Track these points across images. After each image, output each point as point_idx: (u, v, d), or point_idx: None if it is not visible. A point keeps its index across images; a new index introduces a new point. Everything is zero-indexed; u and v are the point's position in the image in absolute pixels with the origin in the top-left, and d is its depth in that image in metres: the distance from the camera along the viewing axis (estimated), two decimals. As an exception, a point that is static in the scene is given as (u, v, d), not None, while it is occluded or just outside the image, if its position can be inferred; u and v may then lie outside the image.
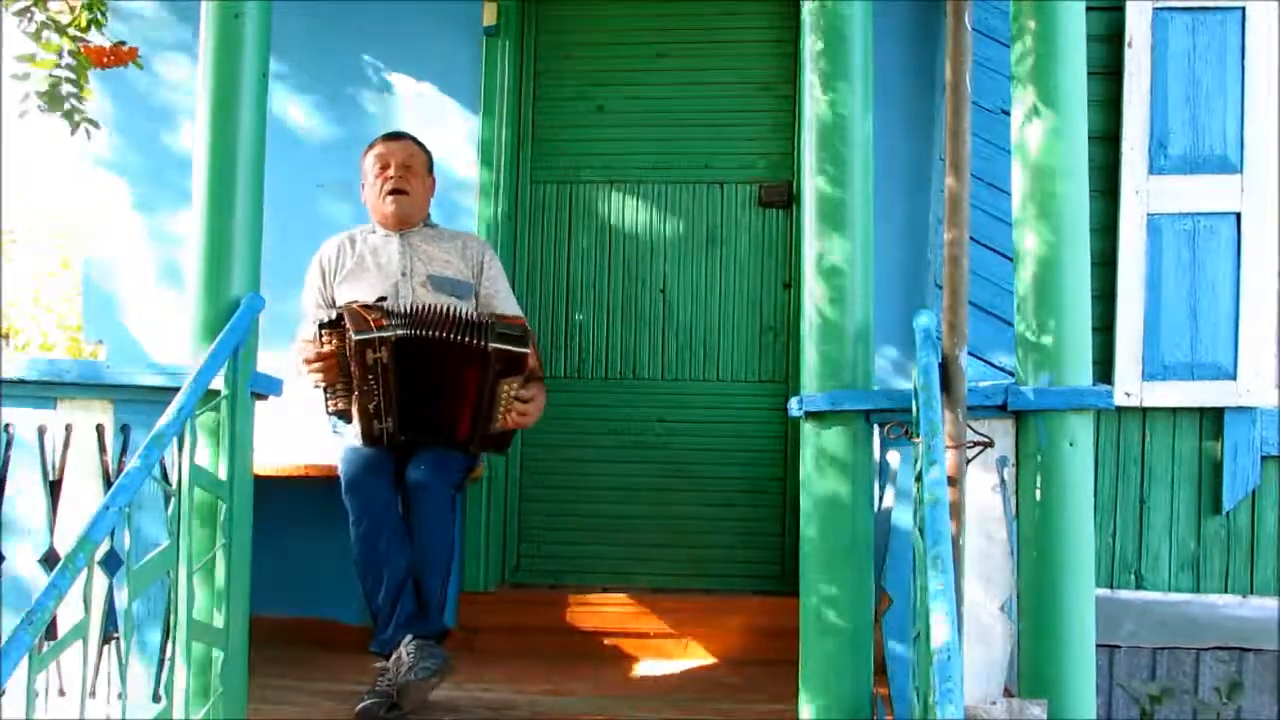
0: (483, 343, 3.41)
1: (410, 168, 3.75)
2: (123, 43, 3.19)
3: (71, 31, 3.08)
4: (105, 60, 3.15)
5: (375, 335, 3.34)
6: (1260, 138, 3.95)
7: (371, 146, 3.82)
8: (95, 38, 3.19)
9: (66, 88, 3.12)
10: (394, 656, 3.16)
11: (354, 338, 3.35)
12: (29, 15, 3.07)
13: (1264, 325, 3.93)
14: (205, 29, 2.90)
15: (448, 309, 3.49)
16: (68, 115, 3.15)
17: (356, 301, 3.55)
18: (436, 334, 3.39)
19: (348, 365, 3.40)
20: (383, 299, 3.52)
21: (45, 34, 3.08)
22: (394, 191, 3.71)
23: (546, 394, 3.68)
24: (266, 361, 3.02)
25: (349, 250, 3.76)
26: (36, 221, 11.28)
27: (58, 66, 3.09)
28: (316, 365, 3.46)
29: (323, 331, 3.45)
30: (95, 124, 3.20)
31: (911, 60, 4.11)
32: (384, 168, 3.74)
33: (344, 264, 3.74)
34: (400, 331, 3.37)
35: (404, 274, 3.68)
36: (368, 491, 3.36)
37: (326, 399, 3.50)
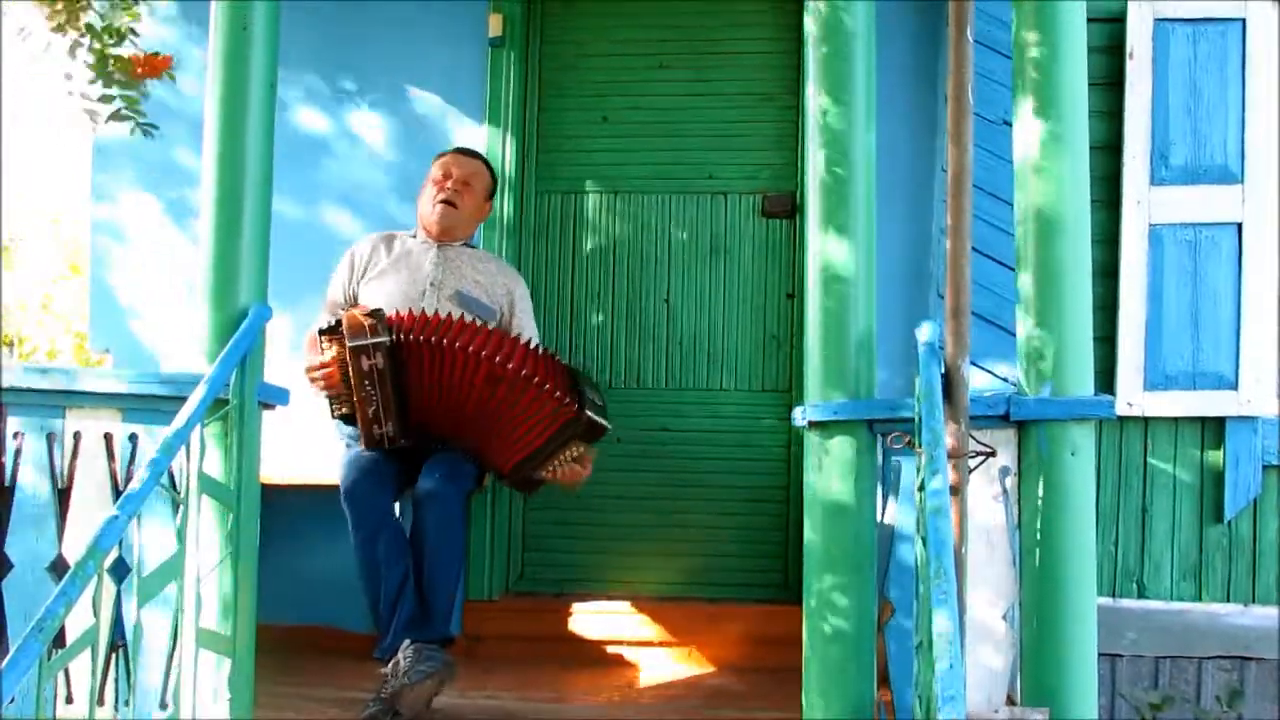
0: (575, 403, 3.47)
1: (469, 185, 3.82)
2: (157, 53, 3.19)
3: (108, 41, 3.07)
4: (140, 70, 3.15)
5: (369, 342, 3.37)
6: (1261, 148, 3.96)
7: (442, 155, 3.89)
8: (126, 48, 3.19)
9: (113, 88, 3.11)
10: (393, 662, 3.17)
11: (348, 344, 3.37)
12: (64, 31, 3.07)
13: (1265, 335, 3.94)
14: (213, 40, 2.92)
15: (481, 324, 3.53)
16: (126, 118, 3.14)
17: (359, 308, 3.58)
18: (443, 342, 3.41)
19: (347, 371, 3.42)
20: (378, 310, 3.52)
21: (79, 51, 3.07)
22: (444, 202, 3.77)
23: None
24: (274, 369, 3.04)
25: (384, 250, 3.81)
26: (42, 227, 11.29)
27: (101, 71, 3.07)
28: (318, 373, 3.49)
29: (323, 337, 3.48)
30: (155, 126, 3.20)
31: (914, 71, 4.13)
32: (444, 176, 3.81)
33: (377, 262, 3.78)
34: (394, 337, 3.39)
35: (433, 284, 3.72)
36: (365, 499, 3.38)
37: (331, 404, 3.53)
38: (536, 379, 3.43)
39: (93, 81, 3.08)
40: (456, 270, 3.77)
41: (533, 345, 3.59)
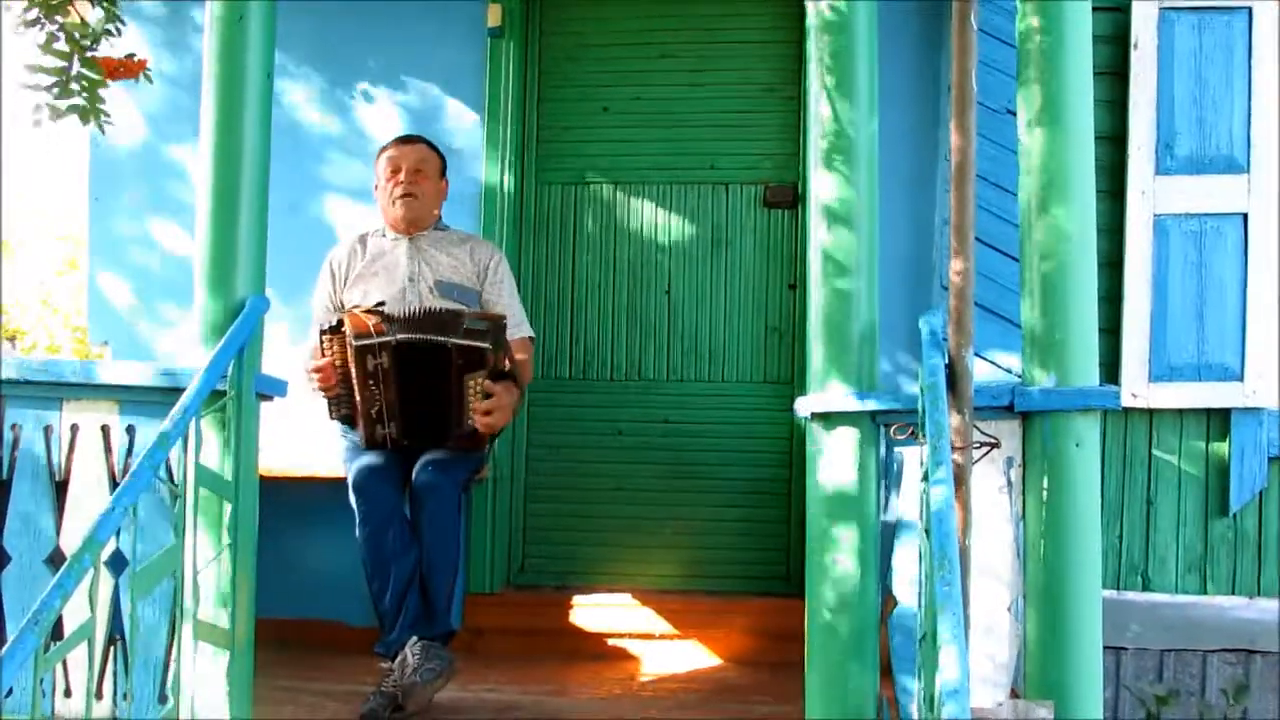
0: (443, 337, 3.39)
1: (422, 171, 3.75)
2: (133, 55, 3.16)
3: (82, 41, 3.04)
4: (116, 72, 3.12)
5: (375, 341, 3.34)
6: (1267, 138, 3.94)
7: (385, 149, 3.81)
8: (104, 49, 3.16)
9: (75, 88, 3.07)
10: (399, 658, 3.16)
11: (354, 344, 3.35)
12: (40, 25, 3.03)
13: (1271, 326, 3.92)
14: (209, 31, 2.90)
15: (433, 309, 3.49)
16: (83, 113, 3.09)
17: (359, 306, 3.55)
18: (434, 337, 3.39)
19: (349, 371, 3.40)
20: (381, 303, 3.51)
21: (55, 45, 3.04)
22: (404, 195, 3.71)
23: (522, 398, 3.66)
24: (271, 362, 3.02)
25: (359, 254, 3.77)
26: (41, 222, 11.29)
27: (64, 74, 3.04)
28: (318, 372, 3.46)
29: (324, 337, 3.45)
30: (107, 117, 3.14)
31: (916, 60, 4.11)
32: (395, 171, 3.73)
33: (354, 268, 3.74)
34: (400, 336, 3.37)
35: (411, 279, 3.68)
36: (374, 493, 3.36)
37: (330, 405, 3.50)
38: (438, 337, 3.40)
39: (55, 83, 3.03)
40: (431, 260, 3.73)
41: (436, 310, 3.52)
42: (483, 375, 3.43)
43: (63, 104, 3.05)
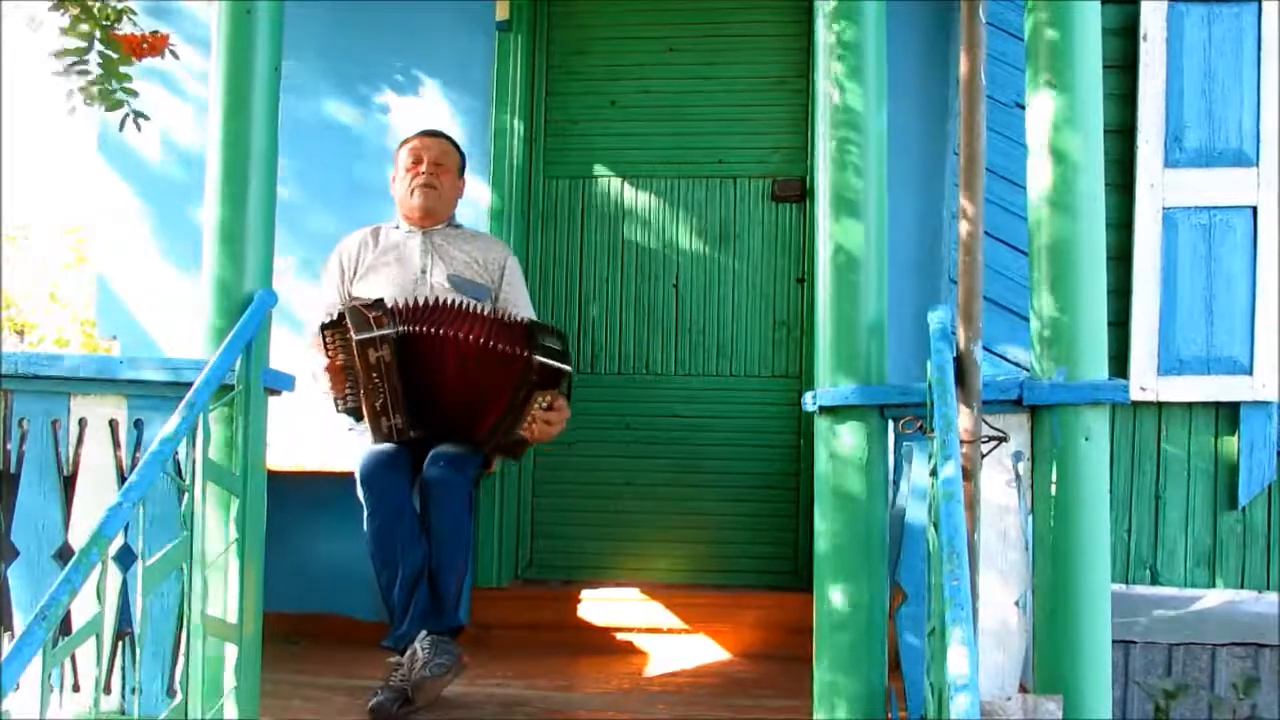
0: (526, 351, 3.39)
1: (443, 165, 3.78)
2: (156, 31, 3.14)
3: (103, 21, 3.03)
4: (140, 49, 3.10)
5: (376, 334, 3.34)
6: (1276, 131, 3.93)
7: (408, 141, 3.84)
8: (125, 28, 3.14)
9: (109, 82, 3.06)
10: (409, 652, 3.16)
11: (355, 338, 3.34)
12: (63, 10, 3.02)
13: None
14: (218, 23, 2.89)
15: (466, 305, 3.49)
16: (114, 105, 3.07)
17: (358, 301, 3.54)
18: (439, 330, 3.38)
19: (354, 365, 3.39)
20: (380, 300, 3.50)
21: (79, 26, 3.03)
22: (424, 185, 3.73)
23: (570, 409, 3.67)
24: (280, 356, 3.02)
25: (370, 246, 3.77)
26: (50, 217, 11.31)
27: (85, 55, 3.01)
28: (328, 373, 3.47)
29: (325, 333, 3.45)
30: (145, 115, 3.13)
31: (926, 54, 4.09)
32: (416, 162, 3.76)
33: (364, 259, 3.74)
34: (400, 329, 3.36)
35: (423, 271, 3.68)
36: (383, 486, 3.35)
37: (335, 399, 3.50)
38: (486, 341, 3.38)
39: (74, 63, 3.03)
40: (445, 254, 3.73)
41: (485, 310, 3.54)
42: (553, 393, 3.44)
43: (94, 88, 3.04)
